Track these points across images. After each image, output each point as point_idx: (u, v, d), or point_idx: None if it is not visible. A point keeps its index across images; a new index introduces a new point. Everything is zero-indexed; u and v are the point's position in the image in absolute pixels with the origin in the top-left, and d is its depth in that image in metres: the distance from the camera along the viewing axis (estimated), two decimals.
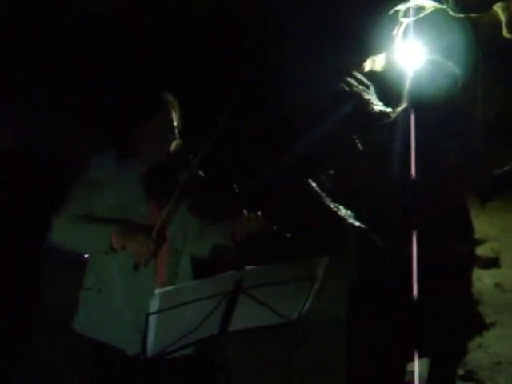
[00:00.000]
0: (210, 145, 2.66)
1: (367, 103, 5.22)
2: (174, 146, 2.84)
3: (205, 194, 2.78)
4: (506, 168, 3.52)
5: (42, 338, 4.33)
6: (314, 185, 4.08)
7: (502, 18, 6.64)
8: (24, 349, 4.30)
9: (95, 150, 2.96)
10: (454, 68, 3.80)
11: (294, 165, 4.21)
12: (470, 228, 3.78)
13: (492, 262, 6.67)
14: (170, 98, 2.89)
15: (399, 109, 3.98)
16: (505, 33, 6.82)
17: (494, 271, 6.54)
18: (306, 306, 2.62)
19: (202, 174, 2.79)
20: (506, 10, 6.50)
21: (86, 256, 2.99)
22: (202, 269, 2.97)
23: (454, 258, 3.59)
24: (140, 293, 2.76)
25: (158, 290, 2.22)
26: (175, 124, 2.85)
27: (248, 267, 2.37)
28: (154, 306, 2.23)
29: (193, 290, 2.33)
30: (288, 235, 3.42)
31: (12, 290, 4.24)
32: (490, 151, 3.99)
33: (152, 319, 2.26)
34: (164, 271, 2.85)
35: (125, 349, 2.78)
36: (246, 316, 2.51)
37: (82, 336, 2.91)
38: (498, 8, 6.50)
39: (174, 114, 2.86)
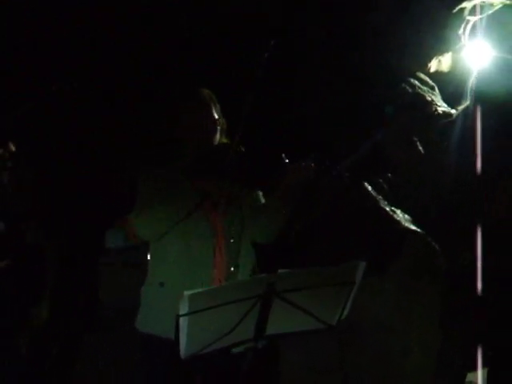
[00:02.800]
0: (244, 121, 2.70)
1: (430, 104, 5.08)
2: (217, 137, 2.95)
3: (252, 169, 2.81)
4: None
5: (101, 337, 4.40)
6: (369, 188, 3.99)
7: None
8: (83, 348, 4.39)
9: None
10: None
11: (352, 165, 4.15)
12: None
13: None
14: (207, 91, 2.99)
15: (461, 107, 3.86)
16: None
17: None
18: (345, 311, 2.56)
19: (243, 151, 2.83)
20: None
21: (148, 258, 3.06)
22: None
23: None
24: (196, 286, 2.78)
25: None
26: (216, 116, 2.94)
27: (281, 270, 2.33)
28: (183, 307, 2.22)
29: (224, 292, 2.31)
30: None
31: (70, 290, 4.33)
32: None
33: (183, 321, 2.25)
34: (223, 263, 2.89)
35: None
36: (283, 320, 2.48)
37: (144, 334, 2.99)
38: None
39: (213, 106, 2.94)
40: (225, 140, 2.97)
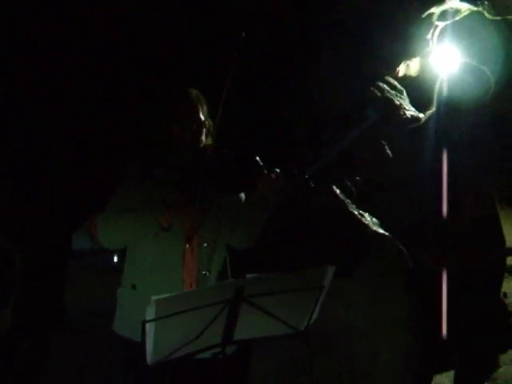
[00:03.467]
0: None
1: (399, 108, 5.12)
2: (203, 138, 2.92)
3: (231, 172, 2.86)
4: None
5: (74, 339, 4.35)
6: (338, 191, 4.01)
7: None
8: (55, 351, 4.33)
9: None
10: (487, 73, 3.69)
11: (320, 170, 4.15)
12: (498, 237, 3.66)
13: None
14: (195, 92, 2.95)
15: (428, 113, 3.89)
16: None
17: None
18: (314, 315, 2.55)
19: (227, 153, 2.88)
20: None
21: (115, 260, 3.04)
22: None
23: (482, 267, 3.48)
24: (166, 292, 2.76)
25: (153, 298, 2.19)
26: (202, 118, 2.91)
27: (249, 275, 2.31)
28: (150, 313, 2.19)
29: (191, 297, 2.29)
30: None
31: (37, 292, 4.27)
32: None
33: (150, 327, 2.22)
34: (195, 267, 2.86)
35: None
36: (251, 325, 2.46)
37: (119, 337, 2.97)
38: None
39: (200, 107, 2.91)
40: (210, 141, 2.95)
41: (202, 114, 2.92)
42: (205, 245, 2.88)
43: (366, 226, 3.88)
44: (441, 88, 3.68)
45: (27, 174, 4.02)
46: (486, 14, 6.05)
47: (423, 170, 3.56)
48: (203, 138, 2.93)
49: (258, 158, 2.84)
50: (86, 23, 4.43)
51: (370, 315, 4.04)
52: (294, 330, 2.53)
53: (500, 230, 3.76)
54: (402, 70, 5.89)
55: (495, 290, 3.90)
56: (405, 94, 5.51)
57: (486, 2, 5.91)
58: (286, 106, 4.79)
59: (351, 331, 4.02)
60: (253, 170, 2.81)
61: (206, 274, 2.88)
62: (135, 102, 4.21)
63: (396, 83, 5.55)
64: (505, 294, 5.87)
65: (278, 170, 2.84)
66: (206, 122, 2.94)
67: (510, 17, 6.25)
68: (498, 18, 6.13)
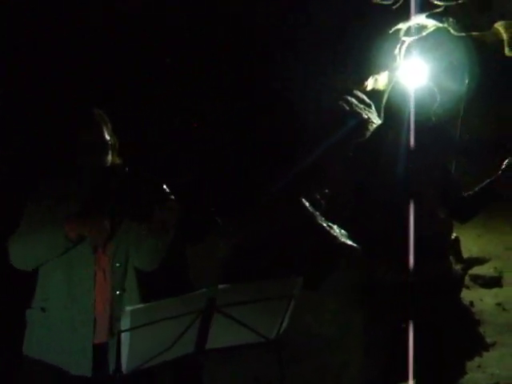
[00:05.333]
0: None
1: (366, 121, 5.23)
2: (109, 158, 2.89)
3: (138, 196, 2.83)
4: (476, 189, 3.50)
5: None
6: (307, 204, 4.09)
7: (504, 36, 6.65)
8: None
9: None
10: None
11: (289, 183, 4.22)
12: (450, 248, 3.74)
13: (494, 282, 6.63)
14: (98, 111, 2.94)
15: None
16: (507, 51, 6.84)
17: (496, 291, 6.50)
18: (284, 324, 2.63)
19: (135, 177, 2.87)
20: (507, 28, 6.51)
21: None
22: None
23: (441, 277, 3.55)
24: (78, 313, 2.78)
25: (128, 308, 2.24)
26: (107, 137, 2.90)
27: (221, 285, 2.38)
28: (125, 323, 2.25)
29: (165, 307, 2.35)
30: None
31: None
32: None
33: (125, 336, 2.28)
34: (107, 287, 2.84)
35: (68, 370, 2.78)
36: (223, 334, 2.53)
37: (31, 359, 2.87)
38: (499, 27, 6.50)
39: (103, 127, 2.90)
40: (117, 160, 2.95)
41: (107, 134, 2.90)
42: (117, 264, 2.86)
43: (335, 238, 3.95)
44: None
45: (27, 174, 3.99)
46: (452, 30, 6.21)
47: (375, 183, 3.56)
48: (109, 157, 2.90)
49: (164, 185, 2.82)
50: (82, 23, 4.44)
51: (341, 326, 4.11)
52: (264, 338, 2.60)
53: (447, 243, 3.80)
54: (370, 83, 6.01)
55: (456, 299, 3.97)
56: (373, 107, 5.62)
57: (450, 19, 6.06)
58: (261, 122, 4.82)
59: (322, 342, 4.08)
60: (155, 196, 2.81)
61: (120, 294, 2.85)
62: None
63: (364, 97, 5.66)
64: (471, 303, 6.00)
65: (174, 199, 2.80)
66: (112, 141, 2.92)
67: (474, 33, 6.43)
68: (463, 34, 6.29)
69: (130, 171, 2.91)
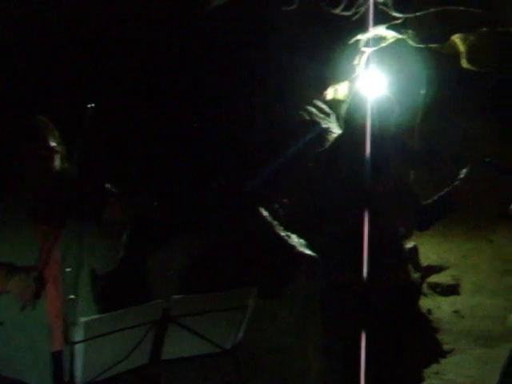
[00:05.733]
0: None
1: (326, 131, 5.27)
2: (57, 164, 2.87)
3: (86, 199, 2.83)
4: (434, 198, 3.55)
5: None
6: (265, 213, 4.10)
7: (461, 48, 6.79)
8: None
9: None
10: (393, 102, 3.78)
11: (248, 192, 4.23)
12: (404, 256, 3.77)
13: (452, 289, 6.73)
14: (43, 118, 2.92)
15: (334, 135, 3.91)
16: (464, 63, 6.98)
17: (453, 298, 6.59)
18: (240, 334, 2.64)
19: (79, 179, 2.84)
20: (464, 41, 6.64)
21: None
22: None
23: (398, 285, 3.58)
24: (31, 322, 2.73)
25: (82, 319, 2.23)
26: (53, 144, 2.87)
27: (175, 296, 2.39)
28: (79, 334, 2.23)
29: (119, 318, 2.34)
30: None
31: None
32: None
33: (79, 348, 2.26)
34: (59, 293, 2.80)
35: (30, 382, 2.74)
36: (179, 345, 2.53)
37: None
38: (456, 39, 6.64)
39: (49, 134, 2.88)
40: (66, 165, 2.90)
41: (53, 141, 2.88)
42: (68, 269, 2.83)
43: (293, 247, 3.97)
44: (348, 112, 3.76)
45: None
46: (411, 42, 6.31)
47: (333, 192, 3.58)
48: (56, 164, 2.87)
49: (108, 185, 2.82)
50: None
51: (299, 334, 4.12)
52: (220, 348, 2.61)
53: (404, 251, 3.83)
54: (330, 93, 6.07)
55: (414, 307, 4.01)
56: (333, 117, 5.67)
57: (409, 31, 6.15)
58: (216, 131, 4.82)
59: (280, 350, 4.09)
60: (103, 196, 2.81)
61: (72, 299, 2.81)
62: None
63: (324, 107, 5.71)
64: (429, 311, 6.08)
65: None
66: (58, 148, 2.89)
67: (432, 45, 6.54)
68: (421, 45, 6.40)
69: (80, 175, 2.88)
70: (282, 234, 4.04)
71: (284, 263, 3.99)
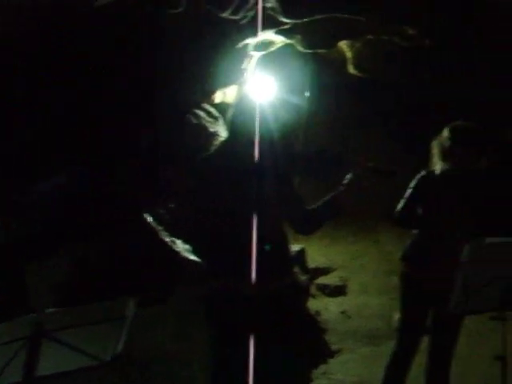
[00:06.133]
0: None
1: (213, 135, 5.25)
2: None
3: None
4: (319, 203, 3.59)
5: None
6: (150, 219, 4.03)
7: (348, 55, 6.98)
8: None
9: None
10: (280, 106, 3.80)
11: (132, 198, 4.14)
12: (290, 259, 3.80)
13: (339, 290, 6.86)
14: None
15: (220, 140, 3.87)
16: (350, 69, 7.17)
17: (340, 299, 6.72)
18: (120, 345, 2.56)
19: None
20: (351, 47, 6.83)
21: None
22: None
23: (282, 289, 3.59)
24: None
25: None
26: None
27: (48, 310, 2.28)
28: None
29: None
30: None
31: None
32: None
33: None
34: None
35: None
36: (55, 360, 2.42)
37: None
38: (343, 45, 6.81)
39: None
40: None
41: None
42: None
43: (177, 253, 3.92)
44: (234, 115, 3.73)
45: None
46: (298, 47, 6.40)
47: (219, 197, 3.56)
48: None
49: None
50: None
51: (185, 340, 4.08)
52: (98, 361, 2.52)
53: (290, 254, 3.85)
54: (218, 97, 6.06)
55: (302, 309, 4.04)
56: (221, 120, 5.66)
57: (297, 36, 6.24)
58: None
59: (165, 357, 4.04)
60: None
61: None
62: None
63: (212, 110, 5.69)
64: (317, 312, 6.16)
65: None
66: None
67: (320, 50, 6.67)
68: (309, 50, 6.51)
69: None
70: (167, 239, 3.98)
71: (169, 269, 3.93)
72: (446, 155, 3.95)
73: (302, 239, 6.05)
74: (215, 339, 3.53)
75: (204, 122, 5.33)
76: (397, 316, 4.21)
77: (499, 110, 6.57)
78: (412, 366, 4.08)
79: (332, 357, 5.48)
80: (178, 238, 4.05)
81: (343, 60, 7.14)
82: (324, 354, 5.50)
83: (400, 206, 3.98)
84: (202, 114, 5.42)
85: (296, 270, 4.03)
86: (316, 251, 7.34)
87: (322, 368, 5.26)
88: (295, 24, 5.91)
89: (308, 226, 3.69)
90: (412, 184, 3.99)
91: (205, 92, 5.76)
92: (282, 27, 5.90)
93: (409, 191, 3.98)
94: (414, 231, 4.03)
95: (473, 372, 4.97)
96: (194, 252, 3.95)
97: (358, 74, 7.34)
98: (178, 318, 4.13)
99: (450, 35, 5.99)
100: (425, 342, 4.08)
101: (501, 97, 6.43)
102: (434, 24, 5.89)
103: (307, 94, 7.14)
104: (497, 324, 3.31)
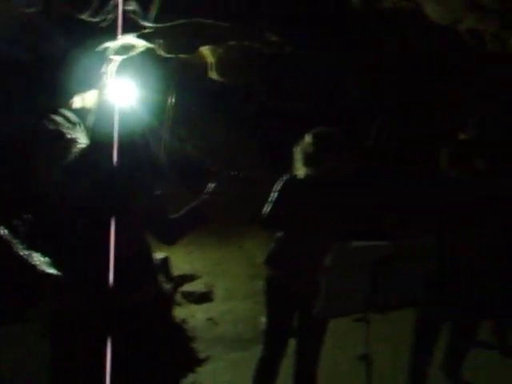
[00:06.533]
0: None
1: (72, 142, 5.03)
2: None
3: None
4: (182, 212, 3.54)
5: None
6: (5, 232, 3.78)
7: (210, 60, 6.97)
8: None
9: None
10: (137, 113, 3.70)
11: None
12: (154, 269, 3.72)
13: (204, 297, 6.84)
14: None
15: (80, 146, 3.73)
16: (212, 74, 7.18)
17: (206, 306, 6.70)
18: None
19: None
20: (213, 52, 6.83)
21: None
22: None
23: (146, 299, 3.48)
24: None
25: None
26: None
27: None
28: None
29: None
30: None
31: None
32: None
33: None
34: None
35: None
36: None
37: None
38: (206, 50, 6.80)
39: None
40: None
41: None
42: None
43: (34, 267, 3.70)
44: (94, 121, 3.61)
45: None
46: (160, 52, 6.31)
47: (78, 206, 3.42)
48: None
49: None
50: None
51: (30, 354, 3.86)
52: None
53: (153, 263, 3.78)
54: (77, 102, 5.84)
55: (168, 318, 3.96)
56: (81, 126, 5.45)
57: (159, 41, 6.15)
58: None
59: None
60: None
61: None
62: None
63: (71, 115, 5.47)
64: (184, 320, 6.10)
65: None
66: None
67: (182, 55, 6.61)
68: (172, 55, 6.44)
69: None
70: (21, 253, 3.74)
71: (25, 283, 3.71)
72: (308, 161, 4.01)
73: (165, 247, 5.96)
74: (64, 352, 3.34)
75: (61, 128, 5.09)
76: (263, 320, 4.23)
77: (363, 115, 6.82)
78: (280, 369, 4.11)
79: (200, 365, 5.43)
80: (36, 250, 3.82)
81: (205, 65, 7.13)
82: (192, 362, 5.43)
83: (266, 209, 3.99)
84: (59, 119, 5.17)
85: (160, 278, 3.92)
86: (180, 259, 7.29)
87: (191, 377, 5.20)
88: (157, 28, 5.81)
89: (170, 236, 3.61)
90: (277, 187, 4.02)
91: (62, 97, 5.53)
92: (143, 31, 5.79)
93: (274, 194, 4.01)
94: (278, 234, 4.06)
95: (339, 372, 5.11)
96: (53, 265, 3.75)
97: (220, 80, 7.35)
98: (38, 335, 3.90)
99: (310, 43, 6.13)
100: (293, 346, 4.12)
101: (361, 103, 6.67)
102: (296, 31, 6.00)
103: (172, 99, 7.07)
104: (361, 325, 3.38)
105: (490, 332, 5.58)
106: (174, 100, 7.04)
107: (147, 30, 5.76)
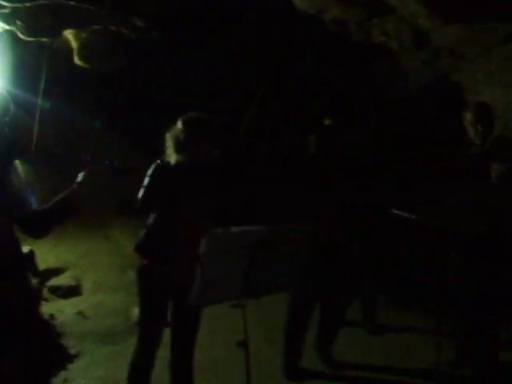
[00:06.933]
0: None
1: None
2: None
3: None
4: (50, 203, 3.39)
5: None
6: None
7: (74, 45, 6.73)
8: None
9: None
10: (7, 98, 3.50)
11: None
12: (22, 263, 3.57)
13: (73, 291, 6.63)
14: None
15: None
16: (76, 60, 6.94)
17: (75, 300, 6.49)
18: None
19: None
20: (77, 37, 6.59)
21: None
22: None
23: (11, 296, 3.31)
24: None
25: None
26: None
27: None
28: None
29: None
30: None
31: None
32: None
33: None
34: None
35: None
36: None
37: None
38: (69, 35, 6.55)
39: None
40: None
41: None
42: None
43: None
44: None
45: None
46: (20, 34, 6.01)
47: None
48: None
49: None
50: None
51: None
52: None
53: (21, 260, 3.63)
54: None
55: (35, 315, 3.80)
56: None
57: (19, 22, 5.86)
58: None
59: None
60: None
61: None
62: None
63: None
64: (52, 316, 5.88)
65: None
66: None
67: (44, 39, 6.34)
68: (32, 39, 6.15)
69: None
70: None
71: None
72: (179, 147, 3.94)
73: (30, 240, 5.71)
74: None
75: None
76: (136, 311, 4.13)
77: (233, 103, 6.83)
78: (156, 360, 4.04)
79: (72, 362, 5.23)
80: None
81: (69, 50, 6.88)
82: (63, 359, 5.22)
83: (140, 194, 3.89)
84: None
85: (27, 274, 3.73)
86: (45, 252, 7.02)
87: (63, 375, 4.98)
88: (16, 8, 5.51)
89: (37, 228, 3.43)
90: (149, 172, 3.93)
91: None
92: (1, 11, 5.48)
93: (147, 179, 3.91)
94: (149, 221, 3.97)
95: (217, 358, 5.11)
96: None
97: (84, 65, 7.12)
98: None
99: (178, 28, 6.08)
100: (168, 335, 4.06)
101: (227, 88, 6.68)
102: (162, 16, 5.92)
103: (37, 87, 6.78)
104: (236, 310, 3.38)
105: (357, 311, 5.81)
106: (38, 87, 6.75)
107: (5, 10, 5.47)
